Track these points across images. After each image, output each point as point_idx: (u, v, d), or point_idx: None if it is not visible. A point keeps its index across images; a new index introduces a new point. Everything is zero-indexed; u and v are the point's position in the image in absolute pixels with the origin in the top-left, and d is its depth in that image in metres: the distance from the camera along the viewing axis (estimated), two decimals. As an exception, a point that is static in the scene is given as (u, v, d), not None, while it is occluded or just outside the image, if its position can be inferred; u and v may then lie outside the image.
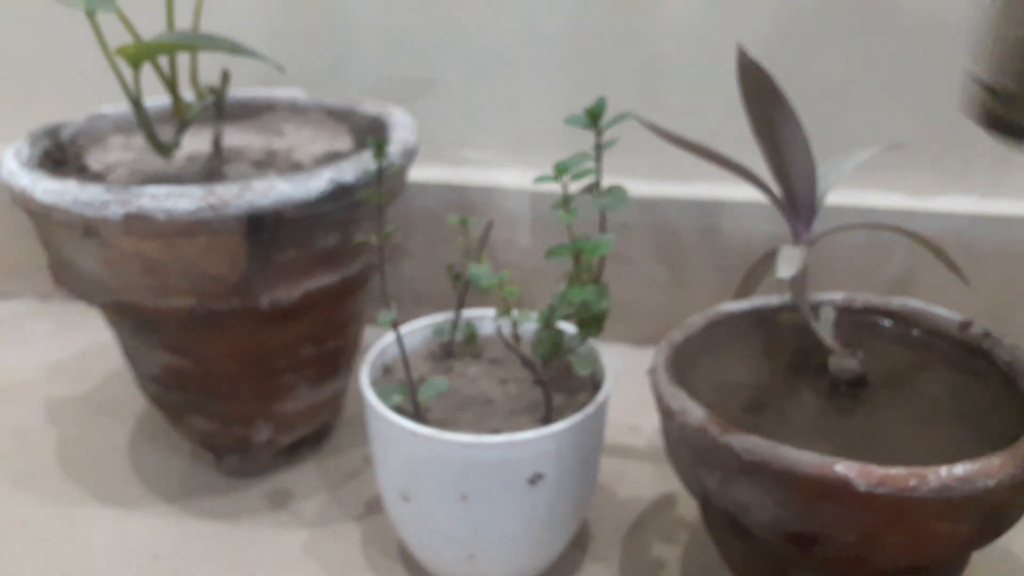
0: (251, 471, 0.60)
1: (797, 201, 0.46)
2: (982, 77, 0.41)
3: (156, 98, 0.62)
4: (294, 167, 0.63)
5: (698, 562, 0.52)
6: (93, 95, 0.67)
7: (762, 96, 0.44)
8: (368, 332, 0.64)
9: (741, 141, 0.49)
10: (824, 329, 0.48)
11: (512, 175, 0.73)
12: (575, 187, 0.45)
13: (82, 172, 0.60)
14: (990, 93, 0.40)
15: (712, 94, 0.67)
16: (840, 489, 0.37)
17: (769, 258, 0.50)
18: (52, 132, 0.59)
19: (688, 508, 0.56)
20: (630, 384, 0.69)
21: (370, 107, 0.63)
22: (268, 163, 0.63)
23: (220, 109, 0.59)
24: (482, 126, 0.73)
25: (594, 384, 0.49)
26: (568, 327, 0.48)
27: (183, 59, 0.57)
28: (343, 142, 0.64)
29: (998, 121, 0.40)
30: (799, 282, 0.48)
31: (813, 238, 0.47)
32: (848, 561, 0.39)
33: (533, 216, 0.71)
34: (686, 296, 0.71)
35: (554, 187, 0.45)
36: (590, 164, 0.43)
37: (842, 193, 0.68)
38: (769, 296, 0.52)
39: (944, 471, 0.36)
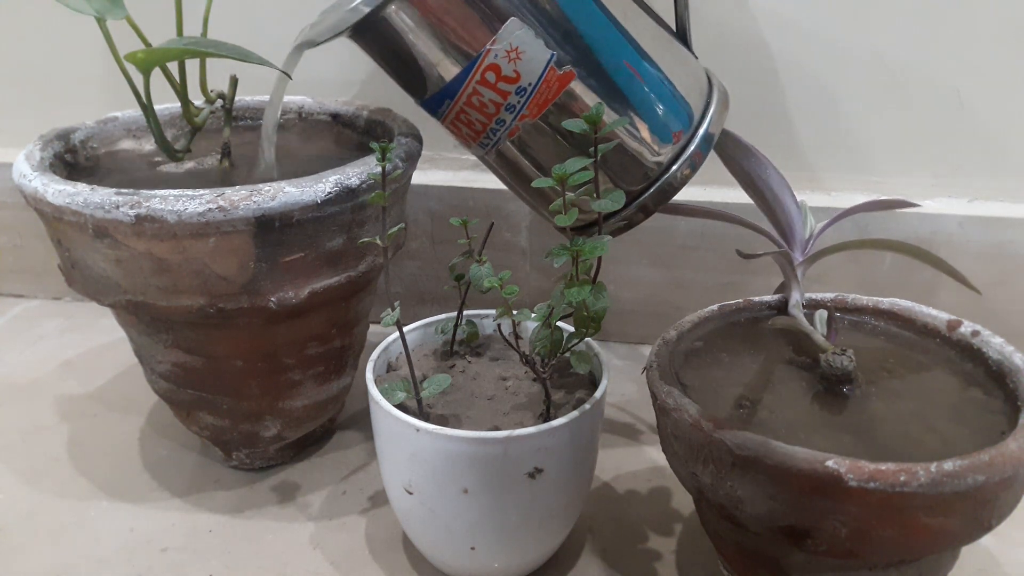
0: (259, 466, 0.61)
1: (789, 237, 0.51)
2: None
3: (166, 103, 0.62)
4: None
5: (692, 554, 0.52)
6: (105, 100, 0.68)
7: (738, 152, 0.52)
8: (373, 331, 0.64)
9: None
10: (816, 328, 0.49)
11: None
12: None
13: (93, 175, 0.61)
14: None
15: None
16: (831, 484, 0.37)
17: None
18: (63, 135, 0.59)
19: (683, 502, 0.57)
20: (627, 381, 0.70)
21: (375, 113, 0.64)
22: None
23: (229, 114, 0.60)
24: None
25: (592, 381, 0.49)
26: (567, 326, 0.49)
27: (193, 65, 0.57)
28: (348, 146, 0.65)
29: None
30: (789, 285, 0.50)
31: (809, 257, 0.51)
32: (839, 554, 0.39)
33: (532, 218, 0.72)
34: (682, 296, 0.71)
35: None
36: (588, 168, 0.44)
37: (836, 197, 0.69)
38: (762, 295, 0.53)
39: (934, 467, 0.36)
